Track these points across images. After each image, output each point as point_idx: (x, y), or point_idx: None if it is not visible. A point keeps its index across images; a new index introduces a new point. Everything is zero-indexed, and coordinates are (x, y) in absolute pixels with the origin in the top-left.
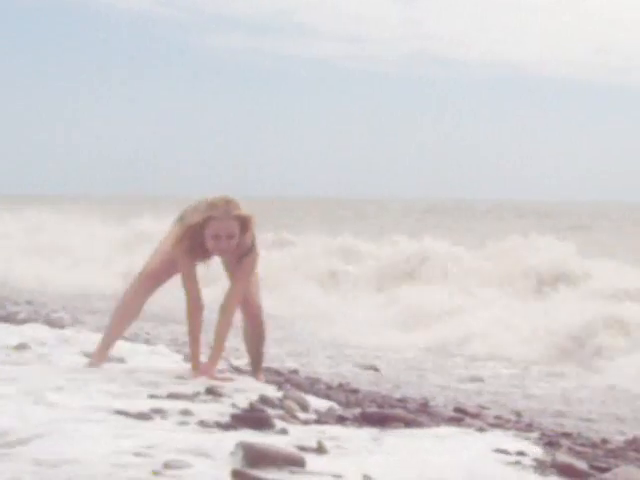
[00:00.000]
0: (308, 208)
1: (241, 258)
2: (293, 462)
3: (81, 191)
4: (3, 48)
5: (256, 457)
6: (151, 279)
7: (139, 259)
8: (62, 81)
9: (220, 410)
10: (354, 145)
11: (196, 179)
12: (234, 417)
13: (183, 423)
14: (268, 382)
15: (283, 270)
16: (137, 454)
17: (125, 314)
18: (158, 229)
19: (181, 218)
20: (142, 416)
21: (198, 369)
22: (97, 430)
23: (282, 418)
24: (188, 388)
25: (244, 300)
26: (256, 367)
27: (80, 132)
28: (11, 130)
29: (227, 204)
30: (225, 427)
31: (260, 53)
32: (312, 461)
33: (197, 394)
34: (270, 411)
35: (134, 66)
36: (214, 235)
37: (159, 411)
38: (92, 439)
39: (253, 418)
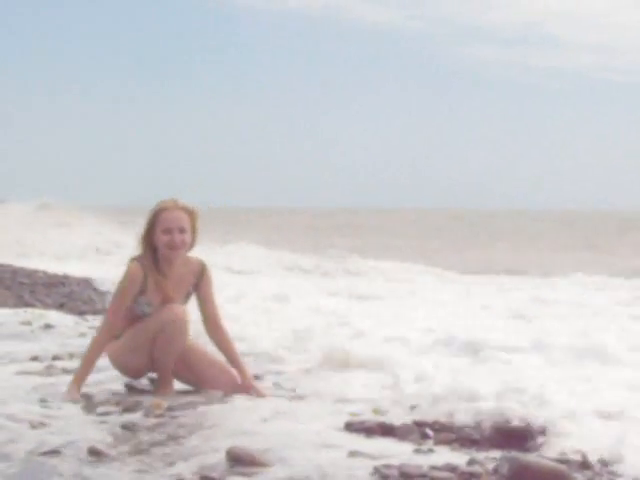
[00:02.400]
0: None
1: (196, 274)
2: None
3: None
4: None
5: (520, 470)
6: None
7: None
8: (316, 94)
9: None
10: (614, 156)
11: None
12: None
13: None
14: None
15: None
16: None
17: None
18: None
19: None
20: None
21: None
22: None
23: None
24: None
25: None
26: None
27: (331, 145)
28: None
29: (174, 200)
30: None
31: (510, 64)
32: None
33: None
34: None
35: (382, 79)
36: (166, 229)
37: None
38: None
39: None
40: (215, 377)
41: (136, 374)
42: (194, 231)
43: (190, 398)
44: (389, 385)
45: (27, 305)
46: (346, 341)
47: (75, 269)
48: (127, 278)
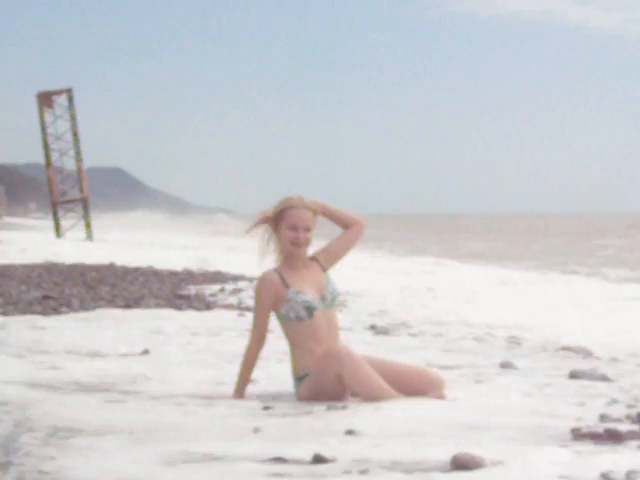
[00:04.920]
0: None
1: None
2: None
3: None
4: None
5: None
6: None
7: None
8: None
9: None
10: None
11: None
12: None
13: None
14: None
15: None
16: None
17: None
18: None
19: None
20: None
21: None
22: None
23: None
24: None
25: None
26: None
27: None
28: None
29: (300, 197)
30: None
31: None
32: None
33: None
34: None
35: (602, 83)
36: (292, 225)
37: None
38: None
39: None
40: (416, 380)
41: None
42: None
43: (407, 400)
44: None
45: (250, 311)
46: None
47: None
48: (262, 285)
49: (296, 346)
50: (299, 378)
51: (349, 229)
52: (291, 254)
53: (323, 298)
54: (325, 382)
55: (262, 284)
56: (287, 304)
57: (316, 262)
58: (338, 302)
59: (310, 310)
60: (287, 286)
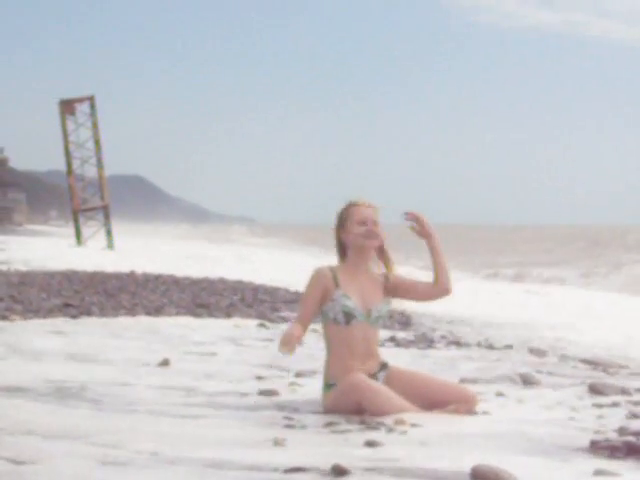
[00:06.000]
0: None
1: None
2: None
3: None
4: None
5: None
6: None
7: None
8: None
9: None
10: None
11: None
12: None
13: None
14: None
15: None
16: None
17: None
18: None
19: None
20: None
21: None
22: None
23: None
24: None
25: None
26: None
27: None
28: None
29: (362, 198)
30: None
31: None
32: None
33: None
34: None
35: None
36: (360, 220)
37: None
38: None
39: None
40: (447, 394)
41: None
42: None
43: (432, 415)
44: None
45: (270, 322)
46: None
47: None
48: (314, 277)
49: (331, 350)
50: (328, 385)
51: (434, 287)
52: (362, 250)
53: (368, 312)
54: (347, 407)
55: (314, 275)
56: (331, 303)
57: (384, 278)
58: (380, 322)
59: (348, 317)
60: (337, 285)
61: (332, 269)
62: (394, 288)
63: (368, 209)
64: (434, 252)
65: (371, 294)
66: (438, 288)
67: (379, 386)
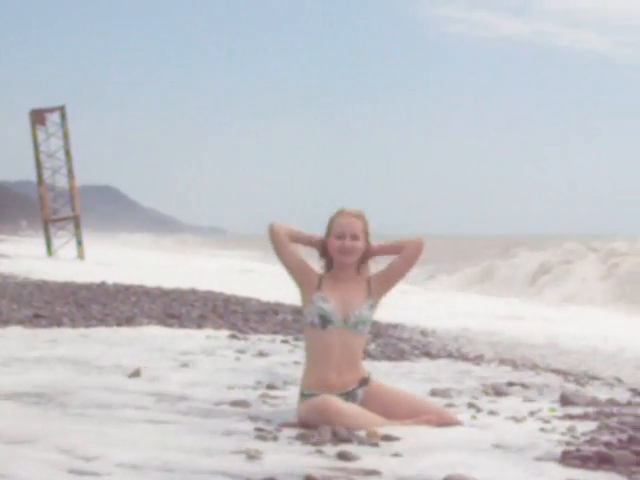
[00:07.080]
0: None
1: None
2: None
3: None
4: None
5: None
6: None
7: None
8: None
9: None
10: None
11: None
12: None
13: None
14: None
15: None
16: None
17: None
18: None
19: None
20: None
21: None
22: None
23: None
24: None
25: None
26: None
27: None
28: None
29: (348, 208)
30: None
31: None
32: None
33: None
34: None
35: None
36: (339, 234)
37: None
38: None
39: None
40: (416, 408)
41: None
42: (366, 236)
43: (404, 426)
44: None
45: (241, 332)
46: None
47: (287, 298)
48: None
49: (309, 357)
50: (303, 395)
51: (405, 249)
52: (340, 264)
53: (346, 317)
54: (317, 423)
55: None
56: (310, 305)
57: (367, 283)
58: (361, 328)
59: (324, 320)
60: (319, 288)
61: (321, 274)
62: (381, 285)
63: (350, 220)
64: (385, 249)
65: (353, 300)
66: (408, 244)
67: (347, 408)
